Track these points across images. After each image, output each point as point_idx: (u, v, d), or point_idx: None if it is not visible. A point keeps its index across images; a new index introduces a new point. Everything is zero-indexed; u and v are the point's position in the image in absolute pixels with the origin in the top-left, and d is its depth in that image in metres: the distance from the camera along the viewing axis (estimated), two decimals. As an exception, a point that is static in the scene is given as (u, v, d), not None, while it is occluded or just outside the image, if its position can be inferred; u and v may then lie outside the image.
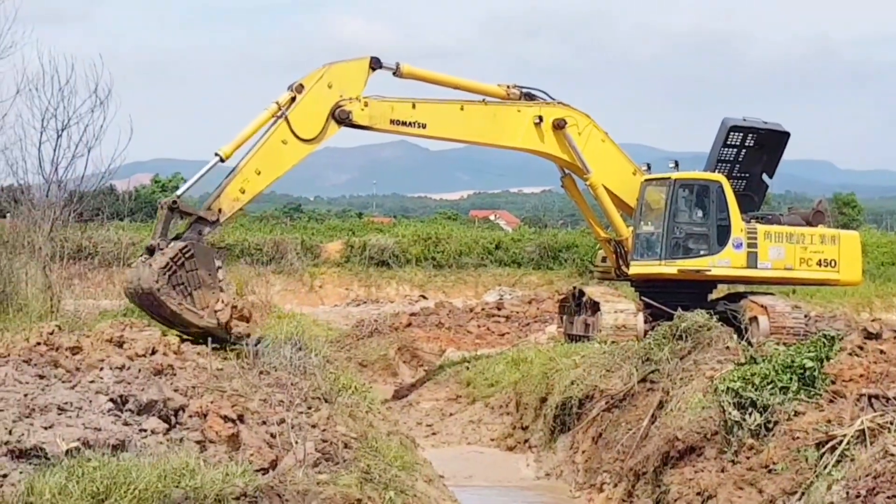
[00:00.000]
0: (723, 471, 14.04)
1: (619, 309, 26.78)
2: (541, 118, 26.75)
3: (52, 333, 13.71)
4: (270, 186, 22.47)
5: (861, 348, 14.26)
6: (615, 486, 18.43)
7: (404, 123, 24.96)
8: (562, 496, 19.87)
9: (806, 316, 28.10)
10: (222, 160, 21.17)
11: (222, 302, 18.60)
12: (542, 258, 58.09)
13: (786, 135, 28.92)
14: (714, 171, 28.02)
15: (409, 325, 34.84)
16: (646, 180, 28.09)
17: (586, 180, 27.64)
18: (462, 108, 25.95)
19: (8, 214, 24.22)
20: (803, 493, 11.98)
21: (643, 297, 27.73)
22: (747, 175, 28.86)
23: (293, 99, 22.77)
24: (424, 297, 51.79)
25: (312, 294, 54.51)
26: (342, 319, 41.83)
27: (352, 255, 57.24)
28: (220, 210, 20.56)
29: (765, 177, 29.17)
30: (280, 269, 55.17)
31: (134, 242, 45.80)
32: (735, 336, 20.49)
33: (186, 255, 18.99)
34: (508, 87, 26.93)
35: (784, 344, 18.52)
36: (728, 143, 28.42)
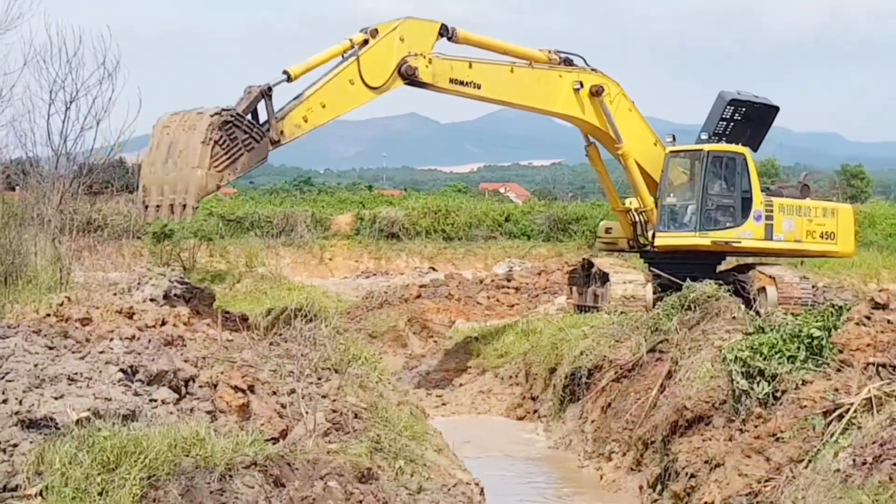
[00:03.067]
0: (731, 439, 14.09)
1: (629, 280, 26.80)
2: (581, 84, 26.67)
3: (61, 305, 13.74)
4: (331, 122, 22.41)
5: (868, 318, 14.26)
6: (624, 454, 18.54)
7: (462, 83, 24.76)
8: (571, 465, 19.96)
9: (813, 286, 28.21)
10: (289, 79, 21.13)
11: (209, 187, 18.66)
12: (552, 230, 58.01)
13: (775, 109, 28.89)
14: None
15: (419, 296, 34.82)
16: (672, 152, 28.00)
17: (617, 150, 27.43)
18: (512, 71, 25.79)
19: (17, 187, 24.25)
20: (810, 461, 12.01)
21: (652, 268, 27.77)
22: None
23: (366, 42, 22.80)
24: (434, 270, 51.77)
25: (322, 266, 54.55)
26: (352, 291, 41.86)
27: (362, 227, 57.25)
28: (281, 132, 20.67)
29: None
30: (290, 241, 55.27)
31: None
32: (743, 306, 20.52)
33: (254, 134, 19.28)
34: (550, 51, 26.84)
35: (792, 314, 18.58)
36: (723, 116, 28.41)
